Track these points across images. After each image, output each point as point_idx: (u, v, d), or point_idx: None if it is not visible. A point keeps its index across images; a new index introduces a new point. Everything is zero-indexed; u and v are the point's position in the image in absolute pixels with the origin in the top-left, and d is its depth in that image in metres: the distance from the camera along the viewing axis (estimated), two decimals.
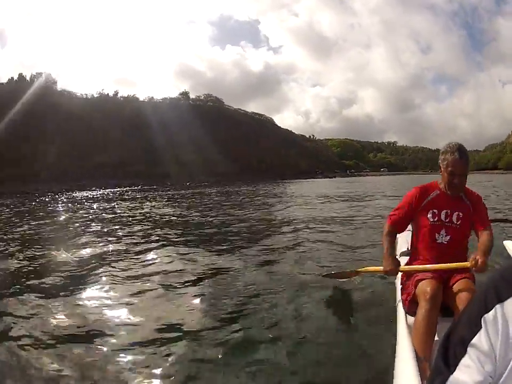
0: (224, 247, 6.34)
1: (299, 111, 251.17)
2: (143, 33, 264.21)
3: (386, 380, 1.94)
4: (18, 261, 5.72)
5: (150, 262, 5.38)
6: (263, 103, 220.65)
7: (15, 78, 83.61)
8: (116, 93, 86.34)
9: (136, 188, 43.72)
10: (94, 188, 43.76)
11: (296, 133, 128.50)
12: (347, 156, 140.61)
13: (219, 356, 2.56)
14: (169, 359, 2.56)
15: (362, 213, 10.75)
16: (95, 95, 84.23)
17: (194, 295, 3.82)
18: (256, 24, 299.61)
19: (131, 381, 2.33)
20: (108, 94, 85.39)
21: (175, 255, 5.71)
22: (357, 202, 15.17)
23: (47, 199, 25.64)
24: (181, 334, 2.93)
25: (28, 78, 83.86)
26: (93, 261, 5.38)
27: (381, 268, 2.52)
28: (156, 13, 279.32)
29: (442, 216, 2.37)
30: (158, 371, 2.41)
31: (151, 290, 4.00)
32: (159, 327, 3.03)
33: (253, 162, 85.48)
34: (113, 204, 18.91)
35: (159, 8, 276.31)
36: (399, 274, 2.53)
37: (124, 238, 7.52)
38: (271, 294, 3.66)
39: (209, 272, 4.67)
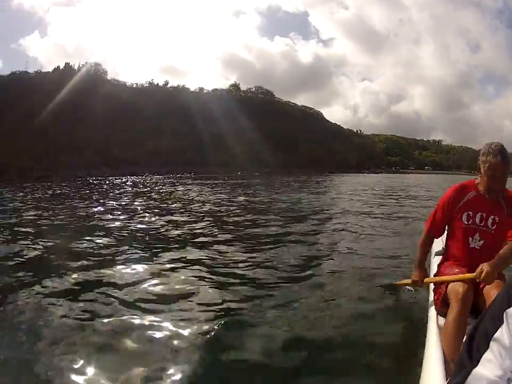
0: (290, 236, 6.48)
1: (348, 105, 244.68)
2: (191, 22, 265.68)
3: (413, 380, 1.93)
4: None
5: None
6: (312, 95, 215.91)
7: (61, 66, 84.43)
8: (166, 83, 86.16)
9: (189, 174, 43.17)
10: (147, 173, 43.46)
11: (344, 127, 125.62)
12: (393, 152, 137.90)
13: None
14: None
15: (410, 210, 10.82)
16: (145, 85, 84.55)
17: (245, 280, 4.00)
18: (305, 16, 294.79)
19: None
20: (157, 83, 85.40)
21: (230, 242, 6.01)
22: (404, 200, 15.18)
23: (104, 185, 26.05)
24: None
25: (75, 67, 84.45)
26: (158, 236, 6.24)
27: (409, 280, 2.65)
28: (204, 2, 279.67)
29: (477, 220, 2.33)
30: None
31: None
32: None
33: (302, 155, 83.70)
34: (169, 189, 19.62)
35: None
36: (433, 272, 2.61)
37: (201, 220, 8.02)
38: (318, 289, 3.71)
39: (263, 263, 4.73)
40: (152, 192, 17.86)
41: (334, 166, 79.68)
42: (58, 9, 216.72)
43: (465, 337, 1.60)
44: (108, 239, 6.13)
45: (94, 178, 36.00)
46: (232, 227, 7.65)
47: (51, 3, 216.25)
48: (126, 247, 5.46)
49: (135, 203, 12.41)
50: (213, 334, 2.76)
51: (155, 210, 10.31)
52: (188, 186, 23.25)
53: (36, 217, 8.68)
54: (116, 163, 54.28)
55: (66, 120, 65.94)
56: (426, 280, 2.48)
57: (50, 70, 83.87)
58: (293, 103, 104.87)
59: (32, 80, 75.80)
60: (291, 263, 4.71)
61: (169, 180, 31.64)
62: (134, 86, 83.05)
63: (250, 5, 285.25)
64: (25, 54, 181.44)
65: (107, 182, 28.64)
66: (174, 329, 2.80)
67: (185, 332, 2.76)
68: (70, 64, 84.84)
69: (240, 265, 4.63)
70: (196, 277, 4.08)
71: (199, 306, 3.27)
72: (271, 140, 76.81)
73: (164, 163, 52.70)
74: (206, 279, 4.00)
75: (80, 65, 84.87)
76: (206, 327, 2.85)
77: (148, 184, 25.53)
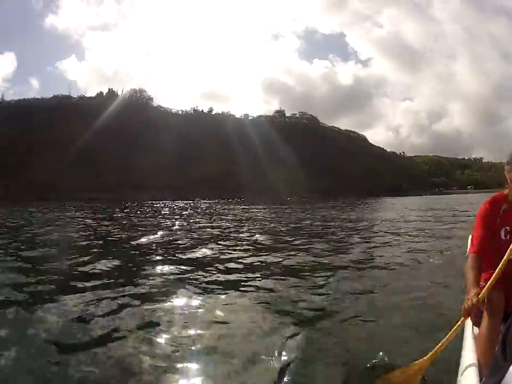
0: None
1: (390, 127, 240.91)
2: (232, 47, 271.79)
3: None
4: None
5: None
6: (354, 118, 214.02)
7: (102, 91, 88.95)
8: (211, 110, 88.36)
9: (239, 199, 42.60)
10: (198, 199, 43.42)
11: (387, 150, 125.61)
12: (436, 173, 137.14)
13: None
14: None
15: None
16: (190, 111, 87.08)
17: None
18: (342, 37, 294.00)
19: None
20: (202, 110, 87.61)
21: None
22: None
23: (154, 208, 26.84)
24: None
25: (118, 93, 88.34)
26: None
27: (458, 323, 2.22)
28: (243, 26, 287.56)
29: None
30: None
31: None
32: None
33: (347, 180, 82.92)
34: (220, 213, 19.42)
35: (245, 23, 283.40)
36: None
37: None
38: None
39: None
40: (228, 216, 17.43)
41: (379, 189, 78.43)
42: (94, 33, 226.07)
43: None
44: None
45: (143, 202, 36.24)
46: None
47: (86, 27, 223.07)
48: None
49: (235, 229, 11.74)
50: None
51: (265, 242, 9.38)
52: (253, 210, 22.72)
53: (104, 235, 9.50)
54: (162, 187, 55.12)
55: (113, 145, 68.39)
56: (481, 296, 2.20)
57: (93, 95, 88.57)
58: (337, 127, 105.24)
59: (76, 104, 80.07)
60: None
61: (223, 205, 31.12)
62: (180, 112, 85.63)
63: (288, 28, 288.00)
64: (62, 76, 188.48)
65: (162, 206, 28.67)
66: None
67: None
68: (113, 89, 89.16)
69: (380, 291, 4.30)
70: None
71: None
72: (317, 165, 76.76)
73: (209, 188, 52.82)
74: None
75: (124, 91, 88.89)
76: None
77: (209, 209, 24.99)
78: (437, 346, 2.50)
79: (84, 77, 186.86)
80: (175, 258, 6.38)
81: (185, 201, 38.76)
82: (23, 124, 69.96)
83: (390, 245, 7.94)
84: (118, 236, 9.77)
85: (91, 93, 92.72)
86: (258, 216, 17.86)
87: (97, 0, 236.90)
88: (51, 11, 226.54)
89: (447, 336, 2.49)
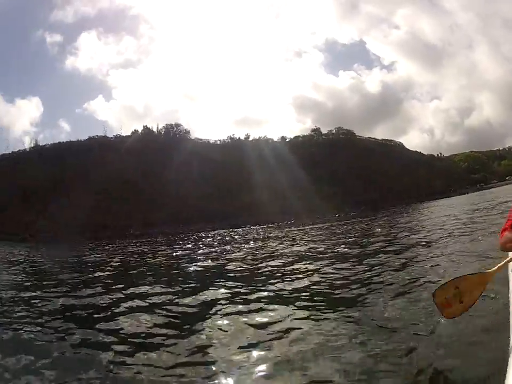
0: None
1: (423, 129, 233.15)
2: (257, 71, 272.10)
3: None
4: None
5: None
6: (388, 125, 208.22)
7: (135, 128, 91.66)
8: (247, 136, 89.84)
9: (288, 222, 42.57)
10: (249, 225, 43.72)
11: (425, 153, 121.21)
12: (474, 170, 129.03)
13: None
14: None
15: None
16: (227, 140, 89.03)
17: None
18: (362, 44, 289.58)
19: None
20: (239, 137, 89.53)
21: None
22: None
23: (211, 236, 27.69)
24: None
25: (154, 129, 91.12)
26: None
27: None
28: (265, 49, 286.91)
29: None
30: None
31: None
32: None
33: (389, 188, 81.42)
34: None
35: (266, 44, 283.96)
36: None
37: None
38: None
39: None
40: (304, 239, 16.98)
41: (421, 194, 76.12)
42: (118, 71, 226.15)
43: None
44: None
45: (197, 232, 37.00)
46: None
47: (109, 66, 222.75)
48: None
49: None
50: None
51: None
52: (310, 231, 22.16)
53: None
54: (209, 217, 55.99)
55: (156, 180, 70.53)
56: None
57: (128, 133, 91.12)
58: (374, 138, 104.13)
59: (113, 143, 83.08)
60: None
61: (275, 229, 31.35)
62: (218, 142, 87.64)
63: (309, 43, 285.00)
64: (91, 117, 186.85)
65: (213, 235, 29.18)
66: None
67: None
68: (148, 126, 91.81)
69: None
70: None
71: None
72: (358, 178, 76.23)
73: (256, 214, 53.22)
74: None
75: (159, 127, 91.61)
76: None
77: (266, 233, 25.15)
78: (498, 265, 2.78)
79: (114, 116, 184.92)
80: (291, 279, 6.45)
81: (237, 229, 39.28)
82: (63, 165, 73.41)
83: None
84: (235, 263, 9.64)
85: (125, 131, 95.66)
86: (318, 234, 17.92)
87: (115, 38, 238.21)
88: (69, 53, 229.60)
89: (508, 258, 2.77)
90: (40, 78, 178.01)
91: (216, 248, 16.21)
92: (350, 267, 7.02)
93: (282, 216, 46.70)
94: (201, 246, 18.82)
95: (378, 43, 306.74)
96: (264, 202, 60.77)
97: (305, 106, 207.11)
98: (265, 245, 15.21)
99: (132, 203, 66.79)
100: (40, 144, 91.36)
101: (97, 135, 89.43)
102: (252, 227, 41.23)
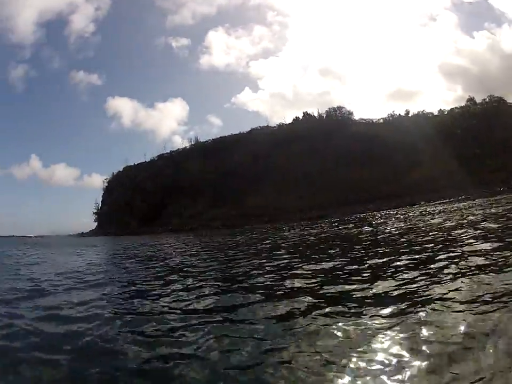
0: None
1: None
2: (398, 41, 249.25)
3: None
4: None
5: None
6: None
7: (300, 117, 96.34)
8: (407, 112, 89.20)
9: (460, 197, 41.45)
10: (422, 202, 46.33)
11: None
12: None
13: None
14: None
15: None
16: (388, 117, 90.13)
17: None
18: (484, 2, 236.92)
19: None
20: (399, 114, 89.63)
21: None
22: None
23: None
24: None
25: (314, 114, 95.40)
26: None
27: None
28: (399, 17, 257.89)
29: None
30: None
31: None
32: None
33: None
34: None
35: (398, 12, 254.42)
36: None
37: None
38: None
39: None
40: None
41: None
42: (258, 62, 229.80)
43: None
44: None
45: (373, 212, 41.53)
46: None
47: (247, 57, 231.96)
48: None
49: None
50: None
51: None
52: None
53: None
54: (380, 199, 58.10)
55: (327, 163, 75.81)
56: None
57: (290, 121, 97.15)
58: None
59: (276, 132, 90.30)
60: None
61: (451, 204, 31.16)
62: (381, 121, 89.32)
63: (437, 6, 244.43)
64: (242, 110, 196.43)
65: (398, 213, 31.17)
66: None
67: None
68: (308, 112, 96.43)
69: None
70: None
71: None
72: None
73: (427, 192, 53.84)
74: None
75: (320, 112, 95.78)
76: None
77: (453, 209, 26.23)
78: None
79: (264, 105, 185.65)
80: None
81: (408, 208, 42.26)
82: (228, 159, 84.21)
83: None
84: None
85: (279, 119, 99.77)
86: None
87: (245, 30, 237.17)
88: (201, 52, 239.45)
89: None
90: (177, 80, 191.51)
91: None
92: None
93: (452, 192, 47.08)
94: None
95: None
96: (434, 179, 60.64)
97: (453, 73, 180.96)
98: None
99: (304, 190, 73.16)
100: (201, 141, 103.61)
101: (259, 126, 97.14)
102: (427, 203, 43.71)
